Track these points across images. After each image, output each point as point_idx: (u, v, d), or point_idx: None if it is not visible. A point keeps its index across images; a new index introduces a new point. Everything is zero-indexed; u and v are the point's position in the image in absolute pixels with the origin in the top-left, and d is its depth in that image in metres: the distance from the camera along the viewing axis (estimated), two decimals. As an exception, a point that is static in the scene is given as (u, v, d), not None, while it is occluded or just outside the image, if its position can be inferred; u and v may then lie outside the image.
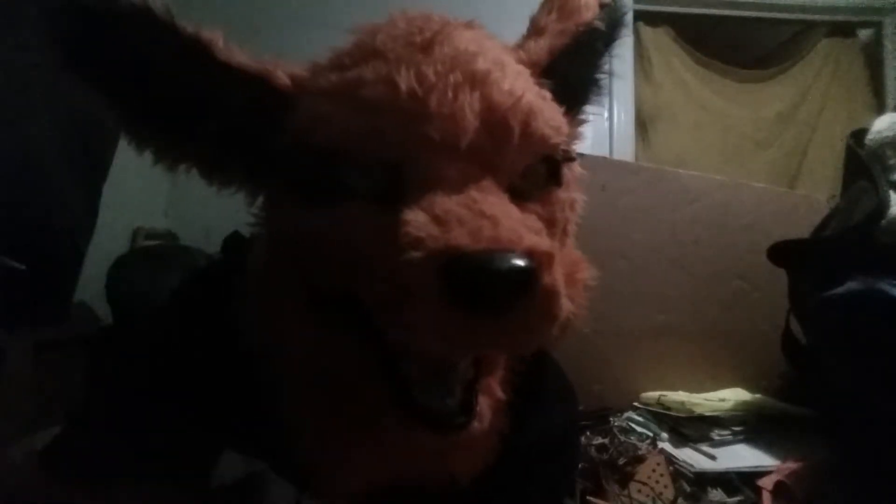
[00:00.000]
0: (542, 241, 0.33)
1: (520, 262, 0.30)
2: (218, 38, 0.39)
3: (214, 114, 0.40)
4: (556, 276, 0.32)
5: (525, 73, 0.42)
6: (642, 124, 2.07)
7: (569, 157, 0.42)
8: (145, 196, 1.52)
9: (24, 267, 0.87)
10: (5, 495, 0.44)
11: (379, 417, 0.38)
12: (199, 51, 0.39)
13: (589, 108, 0.52)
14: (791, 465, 0.81)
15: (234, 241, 0.56)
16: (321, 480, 0.44)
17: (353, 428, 0.41)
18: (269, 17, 1.72)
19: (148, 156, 0.41)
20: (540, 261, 0.31)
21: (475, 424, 0.36)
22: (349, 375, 0.40)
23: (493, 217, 0.32)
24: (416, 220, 0.31)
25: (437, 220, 0.31)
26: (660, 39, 2.14)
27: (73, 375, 0.98)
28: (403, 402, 0.36)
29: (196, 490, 0.44)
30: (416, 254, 0.30)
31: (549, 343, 0.43)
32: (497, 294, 0.29)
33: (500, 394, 0.41)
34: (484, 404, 0.38)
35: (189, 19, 0.39)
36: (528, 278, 0.30)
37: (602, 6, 0.49)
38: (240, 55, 0.40)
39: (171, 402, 0.45)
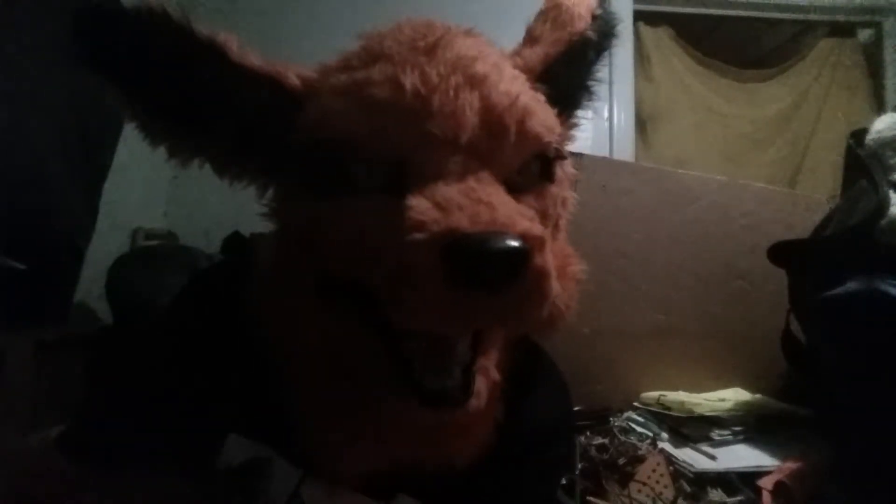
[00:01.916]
0: (535, 227, 0.35)
1: (514, 244, 0.32)
2: (232, 41, 0.41)
3: (228, 113, 0.42)
4: (547, 259, 0.34)
5: (521, 77, 0.44)
6: (642, 124, 2.07)
7: (561, 156, 0.45)
8: (145, 196, 1.52)
9: (24, 267, 0.88)
10: (21, 481, 0.46)
11: (381, 399, 0.40)
12: (214, 52, 0.41)
13: (583, 112, 0.55)
14: (791, 465, 0.81)
15: (234, 241, 0.58)
16: (324, 463, 0.45)
17: (356, 410, 0.43)
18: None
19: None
20: (532, 243, 0.33)
21: (473, 402, 0.38)
22: (354, 359, 0.42)
23: (490, 203, 0.34)
24: (420, 205, 0.34)
25: (439, 205, 0.33)
26: (660, 39, 2.14)
27: (73, 375, 0.98)
28: (405, 382, 0.38)
29: (202, 474, 0.46)
30: (419, 235, 0.32)
31: (542, 328, 0.45)
32: (493, 272, 0.32)
33: (496, 376, 0.43)
34: (481, 384, 0.40)
35: (204, 22, 0.41)
36: (521, 258, 0.32)
37: (594, 17, 0.52)
38: (252, 57, 0.42)
39: (180, 391, 0.46)
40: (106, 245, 1.24)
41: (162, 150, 0.43)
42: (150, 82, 0.41)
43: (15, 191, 0.90)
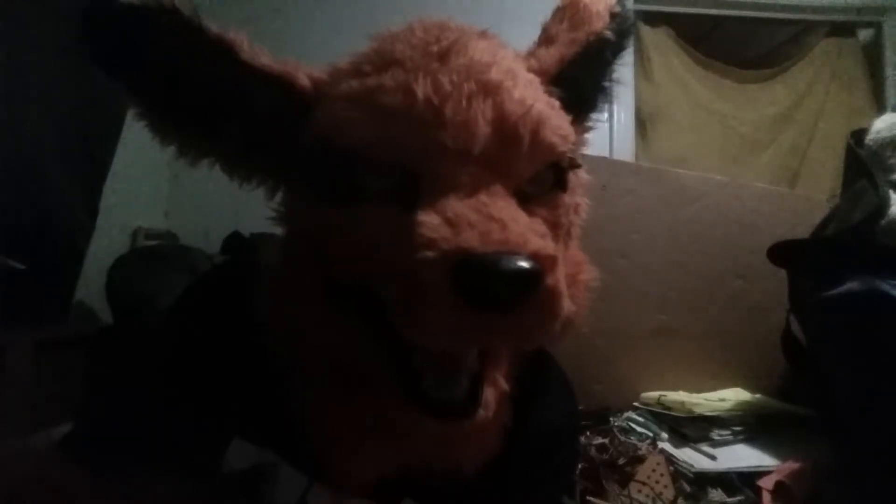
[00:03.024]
0: (547, 245, 0.34)
1: (525, 265, 0.31)
2: (242, 40, 0.41)
3: (238, 112, 0.42)
4: (559, 278, 0.33)
5: (535, 82, 0.43)
6: (642, 124, 2.07)
7: (574, 164, 0.44)
8: (145, 196, 1.52)
9: (24, 267, 0.88)
10: (22, 482, 0.46)
11: (389, 407, 0.40)
12: (224, 51, 0.40)
13: (597, 114, 0.54)
14: (791, 465, 0.81)
15: (234, 241, 0.58)
16: (331, 469, 0.45)
17: (363, 417, 0.42)
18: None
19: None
20: (544, 263, 0.32)
21: (481, 413, 0.38)
22: (361, 366, 0.41)
23: (501, 221, 0.33)
24: (430, 221, 0.33)
25: (450, 222, 0.33)
26: (660, 39, 2.14)
27: (73, 375, 0.98)
28: (413, 392, 0.38)
29: (208, 478, 0.45)
30: (429, 254, 0.32)
31: (552, 340, 0.44)
32: (503, 293, 0.31)
33: (504, 386, 0.42)
34: (489, 395, 0.39)
35: (215, 20, 0.40)
36: (532, 279, 0.32)
37: (612, 16, 0.50)
38: (263, 57, 0.42)
39: (185, 394, 0.46)
40: (106, 245, 1.24)
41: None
42: (159, 80, 0.40)
43: (15, 191, 0.90)
